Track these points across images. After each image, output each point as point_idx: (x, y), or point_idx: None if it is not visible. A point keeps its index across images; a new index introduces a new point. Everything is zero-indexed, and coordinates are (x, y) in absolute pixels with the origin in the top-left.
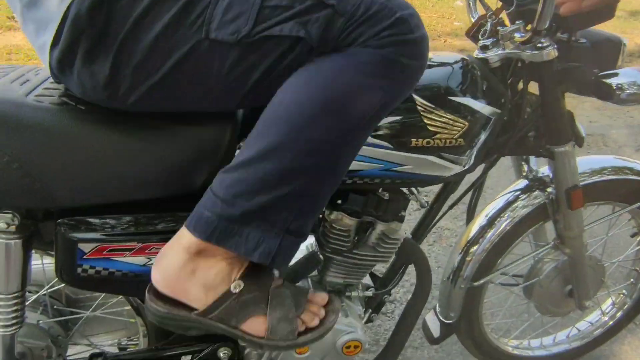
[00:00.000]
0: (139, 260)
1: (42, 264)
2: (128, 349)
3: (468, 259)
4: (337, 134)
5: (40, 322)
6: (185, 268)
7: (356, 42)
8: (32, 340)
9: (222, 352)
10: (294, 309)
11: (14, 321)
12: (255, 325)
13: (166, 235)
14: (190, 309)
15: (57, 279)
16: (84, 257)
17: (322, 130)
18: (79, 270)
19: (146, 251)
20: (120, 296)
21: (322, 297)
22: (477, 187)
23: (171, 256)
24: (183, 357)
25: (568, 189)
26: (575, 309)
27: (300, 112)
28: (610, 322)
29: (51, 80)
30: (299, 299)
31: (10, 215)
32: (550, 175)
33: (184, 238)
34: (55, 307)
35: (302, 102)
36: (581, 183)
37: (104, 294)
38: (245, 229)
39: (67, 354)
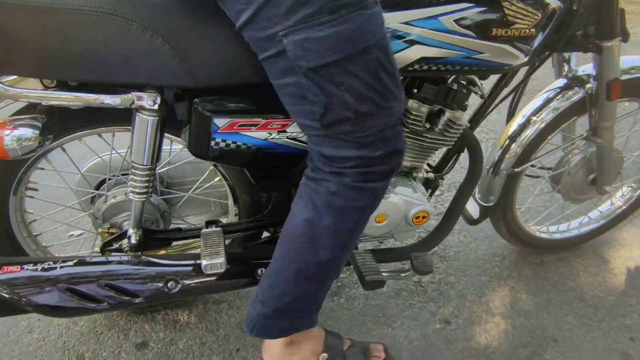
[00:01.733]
0: (262, 135)
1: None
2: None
3: (510, 149)
4: (335, 249)
5: (152, 198)
6: (284, 353)
7: (342, 148)
8: (146, 214)
9: None
10: None
11: (146, 190)
12: None
13: (285, 115)
14: None
15: (164, 162)
16: (218, 131)
17: (324, 249)
18: (212, 143)
19: (268, 127)
20: (216, 179)
21: (379, 347)
22: (522, 86)
23: (273, 347)
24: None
25: (609, 81)
26: (595, 195)
27: (306, 237)
28: (618, 212)
29: None
30: (365, 352)
31: (155, 94)
32: (593, 71)
33: None
34: (158, 188)
35: (303, 231)
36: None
37: (200, 179)
38: (277, 322)
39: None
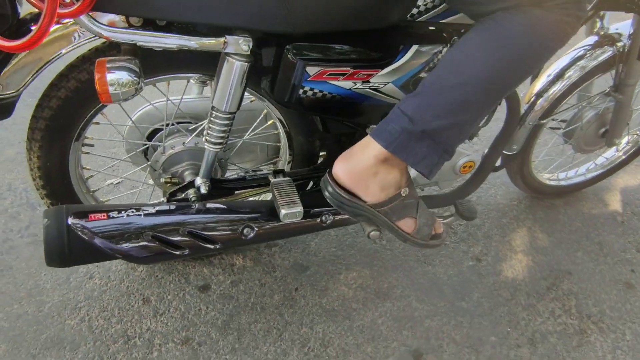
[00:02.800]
0: (347, 84)
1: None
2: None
3: (537, 104)
4: (510, 81)
5: None
6: (370, 169)
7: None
8: None
9: None
10: (432, 218)
11: (221, 140)
12: (408, 224)
13: (371, 63)
14: (362, 201)
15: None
16: (309, 79)
17: (500, 77)
18: (301, 91)
19: (354, 76)
20: (268, 123)
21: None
22: None
23: (359, 159)
24: None
25: None
26: (604, 147)
27: (488, 60)
28: (621, 158)
29: None
30: (433, 217)
31: (249, 39)
32: (625, 31)
33: (373, 147)
34: None
35: (490, 51)
36: None
37: (252, 126)
38: (418, 145)
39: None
